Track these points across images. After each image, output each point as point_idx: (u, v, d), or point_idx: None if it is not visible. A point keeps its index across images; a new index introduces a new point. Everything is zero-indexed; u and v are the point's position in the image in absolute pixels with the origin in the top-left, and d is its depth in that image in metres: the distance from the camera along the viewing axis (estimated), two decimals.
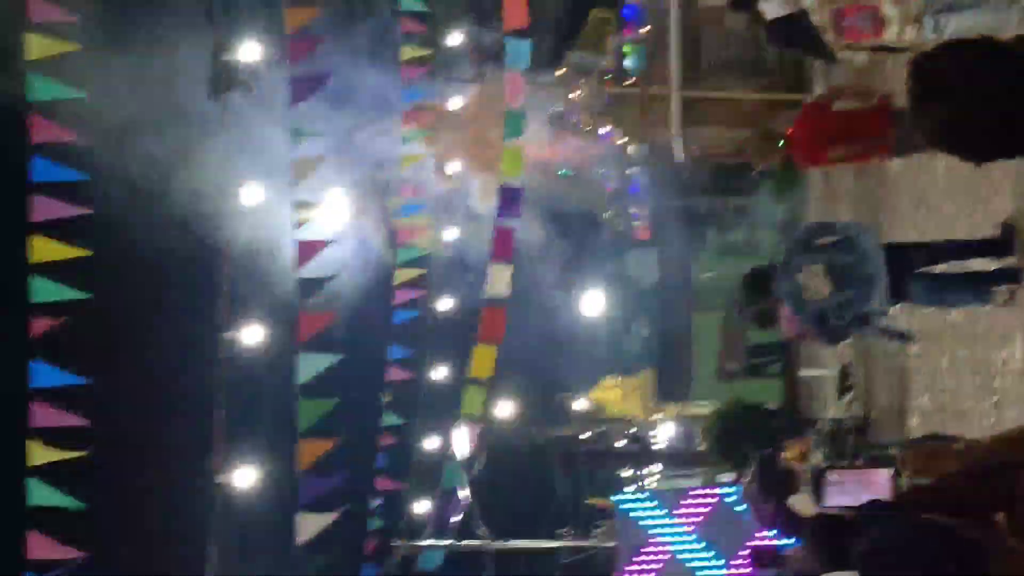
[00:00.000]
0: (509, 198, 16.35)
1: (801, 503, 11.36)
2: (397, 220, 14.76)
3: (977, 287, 9.77)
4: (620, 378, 33.68)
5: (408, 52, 15.01)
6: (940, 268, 9.75)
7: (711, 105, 30.63)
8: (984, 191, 10.86)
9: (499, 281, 16.20)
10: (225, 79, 22.19)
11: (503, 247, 16.43)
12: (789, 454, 14.30)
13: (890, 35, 9.33)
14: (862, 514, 3.31)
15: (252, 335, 11.00)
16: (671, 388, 35.46)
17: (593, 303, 34.83)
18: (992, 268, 9.86)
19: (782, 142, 10.03)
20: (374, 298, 23.30)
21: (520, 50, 16.44)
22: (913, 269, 9.24)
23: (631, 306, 37.51)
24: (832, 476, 3.35)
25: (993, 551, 2.88)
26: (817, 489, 3.38)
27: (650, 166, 36.02)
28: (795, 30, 10.13)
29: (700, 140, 31.73)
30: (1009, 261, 9.32)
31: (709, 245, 37.12)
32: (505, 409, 21.26)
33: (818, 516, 5.91)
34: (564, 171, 36.18)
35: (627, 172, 38.13)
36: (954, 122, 2.80)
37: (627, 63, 36.33)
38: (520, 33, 16.55)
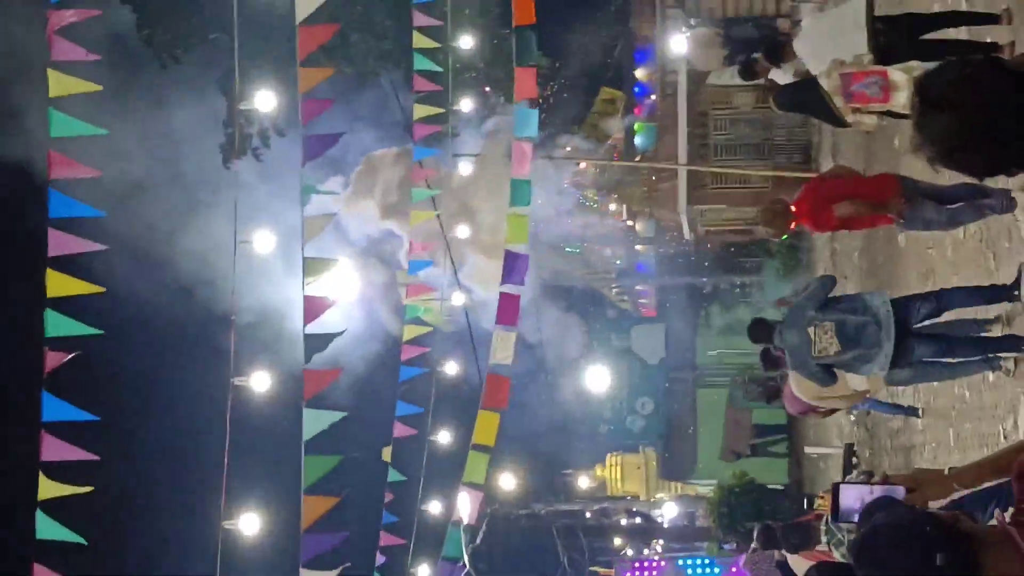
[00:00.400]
0: (514, 264, 16.36)
1: (798, 565, 11.30)
2: (406, 278, 14.84)
3: (985, 353, 9.76)
4: (623, 455, 33.60)
5: (420, 111, 15.15)
6: (948, 317, 9.74)
7: (718, 183, 30.90)
8: (992, 263, 10.92)
9: (503, 347, 16.18)
10: (238, 146, 22.53)
11: (508, 313, 16.41)
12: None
13: (898, 101, 9.41)
14: (868, 507, 3.34)
15: (261, 382, 11.02)
16: (675, 467, 35.33)
17: (598, 379, 34.81)
18: (1000, 335, 9.86)
19: (789, 213, 10.03)
20: (381, 354, 23.52)
21: (528, 119, 16.54)
22: (922, 321, 9.27)
23: (636, 383, 37.46)
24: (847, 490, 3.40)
25: (985, 545, 2.89)
26: (835, 503, 3.42)
27: (657, 243, 36.28)
28: (804, 95, 10.26)
29: (707, 218, 32.00)
30: (1018, 308, 9.35)
31: (714, 323, 37.13)
32: (508, 480, 21.17)
33: (817, 564, 5.91)
34: (571, 248, 36.48)
35: (635, 248, 38.40)
36: (955, 136, 2.88)
37: (637, 141, 36.78)
38: (530, 103, 16.67)
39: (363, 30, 20.23)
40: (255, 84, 19.06)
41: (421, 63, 14.64)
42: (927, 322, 9.54)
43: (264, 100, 12.64)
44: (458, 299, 17.18)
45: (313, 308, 11.56)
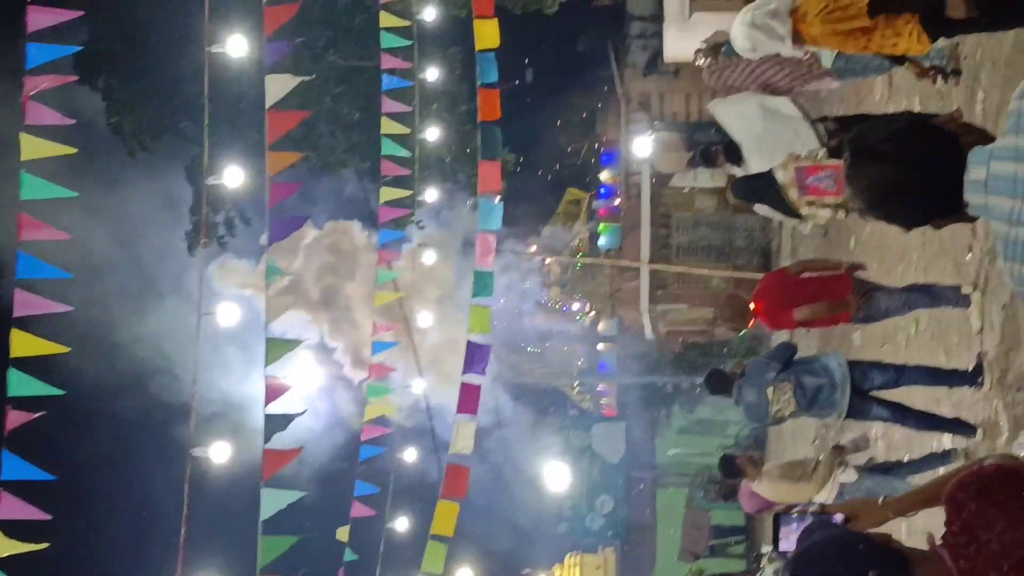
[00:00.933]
0: (476, 354, 16.49)
1: None
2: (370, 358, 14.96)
3: (938, 429, 9.92)
4: (583, 555, 33.35)
5: (387, 194, 15.35)
6: (904, 390, 9.88)
7: (680, 284, 31.21)
8: (943, 357, 11.11)
9: (463, 436, 16.23)
10: (204, 233, 22.64)
11: (468, 402, 16.49)
12: None
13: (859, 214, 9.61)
14: (806, 528, 3.46)
15: (220, 454, 11.02)
16: (634, 567, 35.12)
17: (558, 476, 34.68)
18: (952, 416, 9.99)
19: (747, 309, 10.19)
20: (341, 436, 23.47)
21: (493, 212, 16.80)
22: (876, 389, 9.42)
23: (596, 481, 37.35)
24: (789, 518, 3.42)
25: (917, 565, 3.02)
26: (775, 535, 3.48)
27: (619, 342, 36.45)
28: (760, 186, 10.48)
29: (669, 318, 32.21)
30: (977, 395, 9.48)
31: (675, 422, 37.22)
32: (467, 574, 21.00)
33: None
34: (532, 347, 36.61)
35: (597, 347, 38.52)
36: (882, 187, 3.07)
37: (600, 241, 37.12)
38: (494, 195, 16.94)
39: (332, 121, 20.52)
40: (223, 171, 19.30)
41: (388, 148, 14.87)
42: (882, 390, 9.73)
43: (232, 179, 12.80)
44: (419, 387, 17.26)
45: (274, 389, 11.62)
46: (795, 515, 3.78)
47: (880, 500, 3.60)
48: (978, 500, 3.15)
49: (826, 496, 9.74)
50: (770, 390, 9.69)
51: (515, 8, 21.00)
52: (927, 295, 9.99)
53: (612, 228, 36.91)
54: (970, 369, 9.47)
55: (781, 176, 10.16)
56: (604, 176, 38.34)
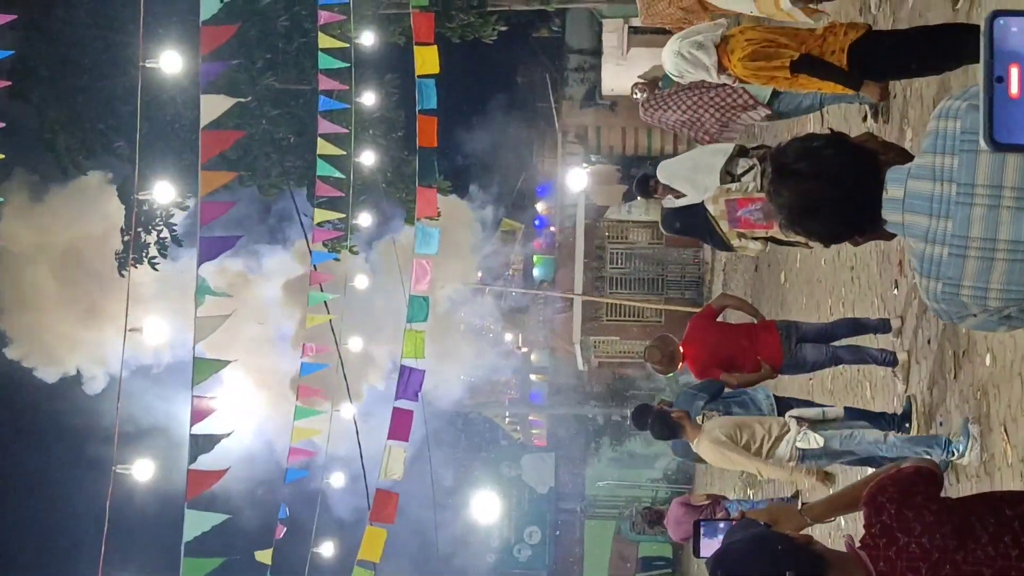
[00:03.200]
0: (409, 380, 16.43)
1: None
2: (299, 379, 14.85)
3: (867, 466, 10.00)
4: None
5: (320, 215, 15.32)
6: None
7: (613, 316, 31.39)
8: (869, 393, 11.23)
9: (394, 463, 16.14)
10: (133, 253, 22.42)
11: (400, 428, 16.40)
12: None
13: (780, 228, 9.71)
14: (729, 530, 3.50)
15: (144, 471, 10.89)
16: None
17: (487, 506, 34.63)
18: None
19: (676, 353, 10.21)
20: (267, 458, 23.27)
21: (429, 237, 16.80)
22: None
23: (525, 511, 37.31)
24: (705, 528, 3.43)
25: (836, 567, 3.07)
26: (696, 540, 3.49)
27: (551, 373, 36.53)
28: (692, 218, 10.57)
29: (601, 350, 32.36)
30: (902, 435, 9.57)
31: (604, 454, 37.29)
32: None
33: None
34: (464, 375, 36.55)
35: (529, 377, 38.57)
36: (801, 203, 3.13)
37: (535, 272, 37.27)
38: (431, 220, 16.95)
39: (268, 144, 20.44)
40: (154, 189, 19.17)
41: (324, 169, 14.84)
42: None
43: (163, 195, 12.71)
44: (348, 411, 17.15)
45: (200, 410, 11.51)
46: (717, 522, 3.81)
47: (799, 505, 3.65)
48: (897, 503, 3.19)
49: (782, 473, 9.57)
50: (700, 418, 9.70)
51: (453, 35, 21.08)
52: (855, 355, 10.04)
53: (546, 260, 37.10)
54: (899, 413, 9.52)
55: (712, 208, 10.24)
56: (540, 207, 38.53)
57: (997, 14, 1.12)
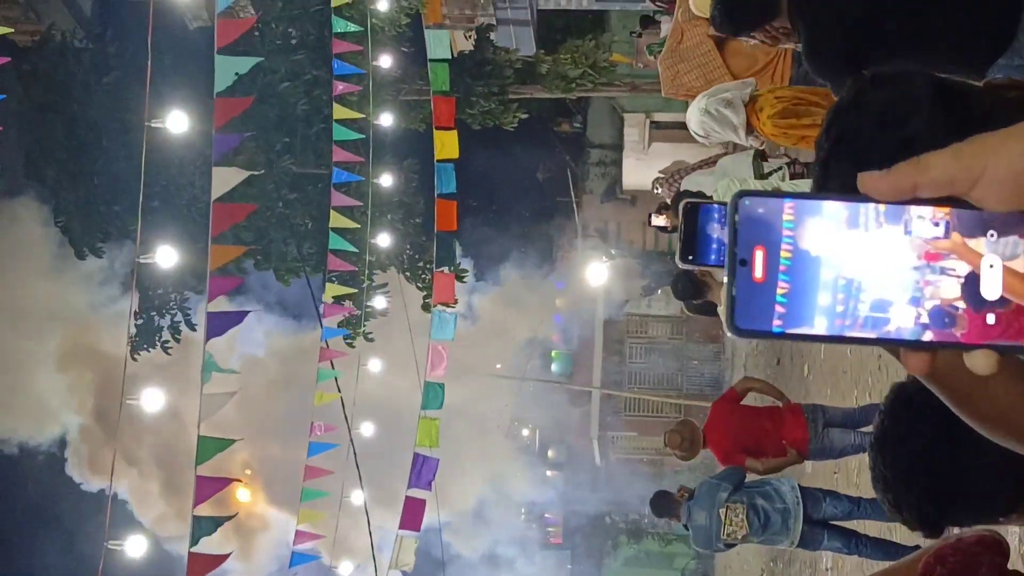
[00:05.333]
0: (422, 468, 16.01)
1: None
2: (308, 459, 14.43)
3: (888, 552, 9.57)
4: None
5: (332, 290, 15.05)
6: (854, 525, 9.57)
7: (631, 411, 30.98)
8: None
9: (405, 553, 15.68)
10: (147, 339, 22.18)
11: (412, 518, 15.96)
12: None
13: None
14: None
15: (136, 548, 10.47)
16: None
17: None
18: (912, 545, 9.67)
19: (698, 438, 9.85)
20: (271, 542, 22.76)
21: (446, 322, 16.51)
22: (828, 517, 9.09)
23: None
24: None
25: None
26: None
27: (568, 469, 35.99)
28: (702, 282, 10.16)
29: (619, 446, 31.91)
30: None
31: (621, 553, 36.58)
32: None
33: None
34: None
35: (545, 474, 38.02)
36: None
37: (553, 368, 36.92)
38: (447, 305, 16.68)
39: (284, 228, 20.26)
40: (168, 275, 18.97)
41: (336, 242, 14.60)
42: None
43: (167, 260, 12.46)
44: (357, 498, 16.71)
45: (205, 488, 11.11)
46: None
47: None
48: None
49: None
50: (722, 511, 9.30)
51: (474, 122, 20.98)
52: None
53: (564, 356, 36.83)
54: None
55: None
56: (559, 302, 38.30)
57: (742, 194, 1.07)
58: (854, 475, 12.76)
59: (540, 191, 36.88)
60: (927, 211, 1.12)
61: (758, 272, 1.09)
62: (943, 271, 1.12)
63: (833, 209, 1.12)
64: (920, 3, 2.79)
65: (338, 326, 19.13)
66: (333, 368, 14.82)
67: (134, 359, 20.97)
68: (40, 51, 21.45)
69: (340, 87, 14.68)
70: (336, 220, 14.55)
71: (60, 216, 21.87)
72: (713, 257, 2.21)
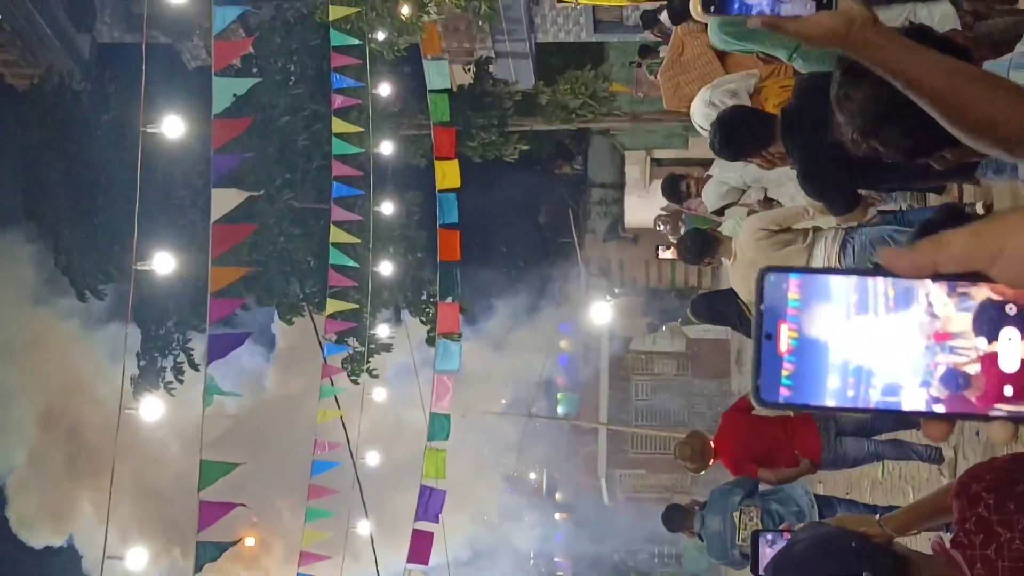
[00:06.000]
0: (429, 501, 15.77)
1: None
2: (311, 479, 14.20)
3: None
4: None
5: (333, 306, 14.88)
6: None
7: (639, 448, 30.75)
8: (912, 499, 10.66)
9: None
10: (149, 381, 21.98)
11: (419, 551, 15.70)
12: None
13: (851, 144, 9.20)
14: (793, 535, 2.88)
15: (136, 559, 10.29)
16: None
17: None
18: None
19: (708, 449, 9.65)
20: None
21: (451, 353, 16.35)
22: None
23: None
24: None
25: (922, 570, 2.48)
26: (754, 555, 2.93)
27: (576, 510, 35.64)
28: (723, 306, 10.05)
29: (627, 484, 31.66)
30: None
31: None
32: None
33: None
34: (487, 516, 35.77)
35: (554, 516, 37.68)
36: (879, 104, 2.65)
37: (559, 409, 36.65)
38: (452, 336, 16.52)
39: (286, 263, 20.13)
40: (170, 312, 18.80)
41: (337, 258, 14.46)
42: None
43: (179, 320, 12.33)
44: (364, 528, 16.46)
45: (210, 513, 10.92)
46: (780, 532, 3.20)
47: (877, 517, 3.04)
48: (996, 492, 2.61)
49: None
50: (736, 515, 9.11)
51: (474, 155, 20.89)
52: (898, 449, 9.55)
53: (570, 397, 36.62)
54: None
55: (745, 294, 9.75)
56: (564, 344, 38.13)
57: (768, 270, 1.13)
58: (867, 493, 12.58)
59: (541, 233, 36.84)
60: (942, 288, 1.16)
61: (782, 346, 1.13)
62: (954, 350, 1.15)
63: (846, 286, 1.16)
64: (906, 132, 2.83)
65: (342, 364, 18.98)
66: (332, 385, 14.63)
67: (135, 398, 20.84)
68: (39, 92, 21.44)
69: (339, 100, 14.60)
70: (337, 235, 14.44)
71: (60, 256, 21.76)
72: (736, 5, 2.07)
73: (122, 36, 24.82)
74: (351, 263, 14.92)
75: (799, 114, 5.54)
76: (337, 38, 14.05)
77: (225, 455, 11.31)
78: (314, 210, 19.94)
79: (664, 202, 12.11)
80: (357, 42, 15.11)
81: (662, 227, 13.30)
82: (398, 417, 20.33)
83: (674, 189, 10.53)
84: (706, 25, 11.22)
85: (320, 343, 19.51)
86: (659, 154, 31.37)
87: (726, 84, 7.75)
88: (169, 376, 21.78)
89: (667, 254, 11.47)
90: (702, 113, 7.85)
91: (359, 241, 15.76)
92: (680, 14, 9.76)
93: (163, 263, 11.92)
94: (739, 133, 6.05)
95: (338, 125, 14.40)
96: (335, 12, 13.89)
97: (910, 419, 9.48)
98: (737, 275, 8.28)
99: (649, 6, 15.38)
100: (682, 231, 10.69)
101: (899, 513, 3.16)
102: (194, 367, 21.24)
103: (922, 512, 3.11)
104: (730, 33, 7.18)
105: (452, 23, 22.14)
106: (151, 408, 11.44)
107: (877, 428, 9.48)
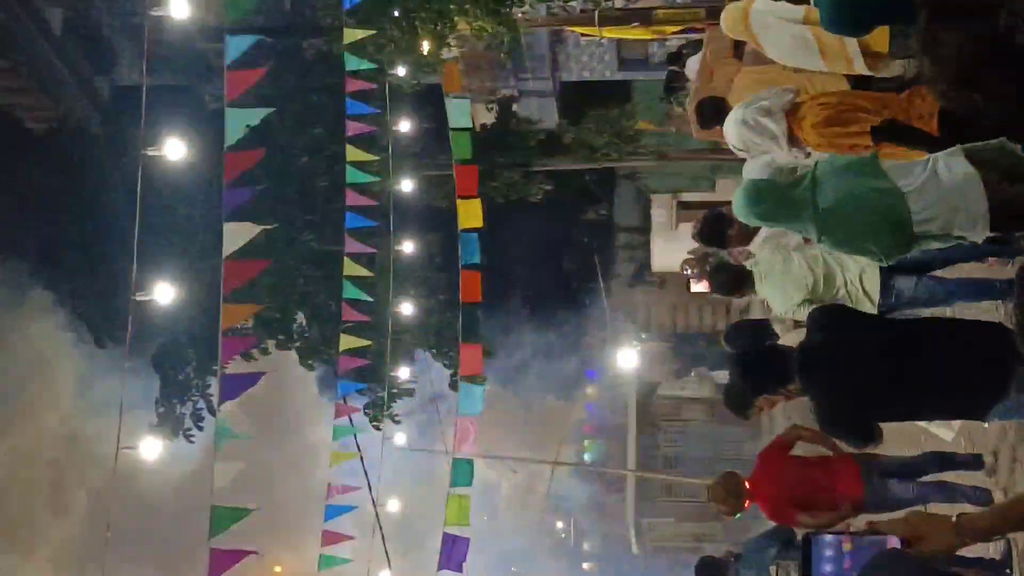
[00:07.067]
0: (453, 549, 15.27)
1: None
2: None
3: None
4: None
5: (346, 342, 14.48)
6: None
7: (668, 496, 30.23)
8: None
9: None
10: (168, 428, 21.65)
11: None
12: None
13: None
14: (865, 568, 2.43)
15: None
16: None
17: None
18: None
19: (743, 490, 9.14)
20: None
21: (474, 395, 15.92)
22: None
23: None
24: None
25: None
26: (805, 560, 2.56)
27: (604, 559, 35.08)
28: (757, 338, 9.62)
29: (656, 532, 31.10)
30: None
31: None
32: None
33: None
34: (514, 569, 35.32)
35: (582, 567, 37.17)
36: (980, 50, 2.27)
37: (586, 457, 36.18)
38: (475, 379, 16.08)
39: (304, 306, 19.86)
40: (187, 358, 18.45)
41: (351, 292, 14.09)
42: None
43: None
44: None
45: (220, 563, 10.47)
46: (838, 536, 2.72)
47: (954, 517, 2.57)
48: None
49: None
50: (773, 569, 8.63)
51: (497, 196, 20.56)
52: (944, 492, 9.02)
53: (597, 445, 36.16)
54: (996, 559, 8.38)
55: (779, 329, 9.29)
56: (590, 391, 37.68)
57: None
58: None
59: (566, 280, 36.48)
60: None
61: None
62: None
63: None
64: (917, 377, 2.66)
65: (364, 410, 18.58)
66: (352, 424, 14.20)
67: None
68: (56, 135, 21.29)
69: (352, 128, 14.29)
70: (349, 268, 14.11)
71: (78, 302, 21.52)
72: None
73: (141, 79, 24.69)
74: (365, 297, 14.54)
75: (816, 352, 5.45)
76: (351, 62, 13.75)
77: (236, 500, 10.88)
78: (334, 252, 19.64)
79: (692, 244, 11.60)
80: (372, 66, 14.83)
81: (689, 271, 12.84)
82: (418, 463, 19.93)
83: (718, 230, 8.59)
84: (734, 50, 10.84)
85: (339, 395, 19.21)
86: (686, 197, 31.02)
87: (760, 101, 7.31)
88: (188, 423, 21.47)
89: (699, 286, 11.07)
90: (735, 134, 7.42)
91: (372, 275, 15.40)
92: (711, 119, 9.02)
93: (163, 293, 11.57)
94: (758, 373, 6.03)
95: (352, 153, 14.08)
96: (349, 35, 13.59)
97: (955, 460, 9.01)
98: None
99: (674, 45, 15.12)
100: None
101: (981, 515, 2.67)
102: (212, 413, 20.92)
103: (1009, 518, 2.63)
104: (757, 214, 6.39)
105: (474, 60, 21.90)
106: (150, 447, 11.03)
107: (923, 468, 9.02)
